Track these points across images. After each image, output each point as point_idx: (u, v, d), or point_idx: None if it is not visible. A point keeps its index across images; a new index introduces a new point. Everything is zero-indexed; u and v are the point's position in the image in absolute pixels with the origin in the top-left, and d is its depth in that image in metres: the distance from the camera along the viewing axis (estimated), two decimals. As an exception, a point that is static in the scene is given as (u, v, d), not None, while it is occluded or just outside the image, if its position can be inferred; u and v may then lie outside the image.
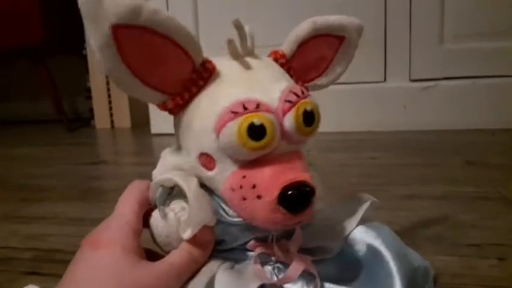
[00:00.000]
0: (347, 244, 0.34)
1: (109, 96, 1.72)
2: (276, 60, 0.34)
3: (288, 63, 0.35)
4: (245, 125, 0.28)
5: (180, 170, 0.33)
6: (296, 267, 0.31)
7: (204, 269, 0.31)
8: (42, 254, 0.52)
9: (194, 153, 0.32)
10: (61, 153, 1.31)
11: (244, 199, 0.29)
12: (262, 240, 0.33)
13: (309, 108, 0.30)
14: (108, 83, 1.70)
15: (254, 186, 0.29)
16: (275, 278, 0.32)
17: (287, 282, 0.31)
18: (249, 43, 0.32)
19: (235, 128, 0.28)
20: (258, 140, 0.28)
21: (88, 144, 1.47)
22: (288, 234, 0.33)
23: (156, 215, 0.33)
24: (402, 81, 1.27)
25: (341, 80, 0.39)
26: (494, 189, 0.68)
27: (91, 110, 1.77)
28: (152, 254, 0.33)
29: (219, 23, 1.07)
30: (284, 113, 0.29)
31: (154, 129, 1.44)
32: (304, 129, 0.30)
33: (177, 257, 0.31)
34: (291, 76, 0.34)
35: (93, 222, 0.33)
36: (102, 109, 1.74)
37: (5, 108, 2.12)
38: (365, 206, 0.36)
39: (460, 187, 0.70)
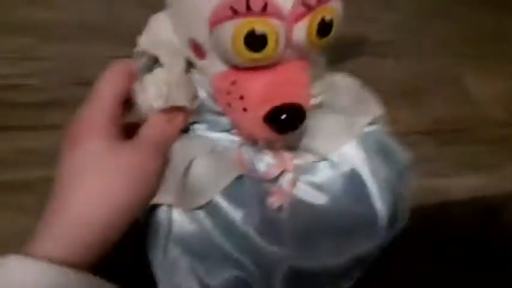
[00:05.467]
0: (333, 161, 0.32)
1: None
2: None
3: None
4: (244, 31, 0.23)
5: (171, 45, 0.28)
6: (279, 164, 0.30)
7: (182, 154, 0.29)
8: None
9: (183, 36, 0.27)
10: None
11: (230, 106, 0.27)
12: None
13: (328, 17, 0.24)
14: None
15: (242, 98, 0.26)
16: (255, 170, 0.30)
17: (266, 178, 0.30)
18: None
19: (231, 32, 0.23)
20: (257, 51, 0.24)
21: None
22: None
23: (136, 87, 0.28)
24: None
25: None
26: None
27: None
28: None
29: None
30: (296, 20, 0.24)
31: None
32: (317, 41, 0.25)
33: (149, 129, 0.28)
34: None
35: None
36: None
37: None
38: (364, 121, 0.33)
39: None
